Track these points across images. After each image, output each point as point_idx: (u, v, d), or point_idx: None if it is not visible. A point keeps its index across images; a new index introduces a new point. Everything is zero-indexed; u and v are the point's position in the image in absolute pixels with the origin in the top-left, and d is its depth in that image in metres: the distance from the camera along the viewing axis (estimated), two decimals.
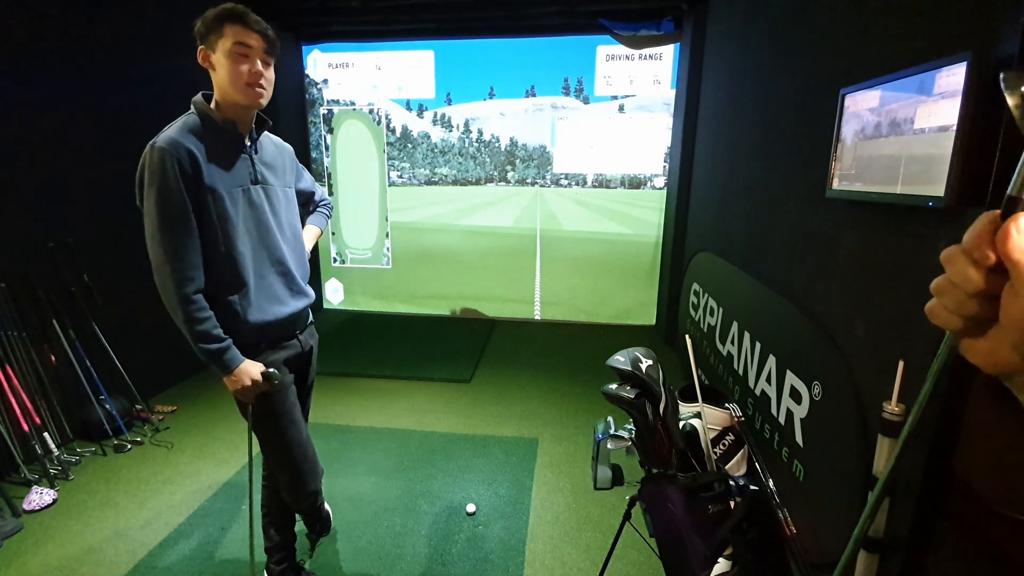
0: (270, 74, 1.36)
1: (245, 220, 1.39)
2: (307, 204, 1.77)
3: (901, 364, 1.31)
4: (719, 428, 1.57)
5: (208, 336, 1.33)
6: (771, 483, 1.57)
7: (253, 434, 1.51)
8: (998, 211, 0.35)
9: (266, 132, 1.50)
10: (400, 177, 4.92)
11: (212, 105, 1.36)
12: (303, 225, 1.70)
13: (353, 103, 4.77)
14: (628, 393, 1.40)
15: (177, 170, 1.26)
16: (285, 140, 1.65)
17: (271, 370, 1.43)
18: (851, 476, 1.48)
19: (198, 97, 1.37)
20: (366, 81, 4.70)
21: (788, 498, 1.76)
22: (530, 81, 4.53)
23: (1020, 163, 0.33)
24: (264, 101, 1.36)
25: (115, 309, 2.94)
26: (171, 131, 1.29)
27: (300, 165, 1.68)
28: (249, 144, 1.41)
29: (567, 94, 4.51)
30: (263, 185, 1.44)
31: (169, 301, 1.31)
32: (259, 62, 1.32)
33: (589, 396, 3.31)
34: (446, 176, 4.89)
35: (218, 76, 1.31)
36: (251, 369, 1.39)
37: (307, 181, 1.73)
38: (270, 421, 1.51)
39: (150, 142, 1.28)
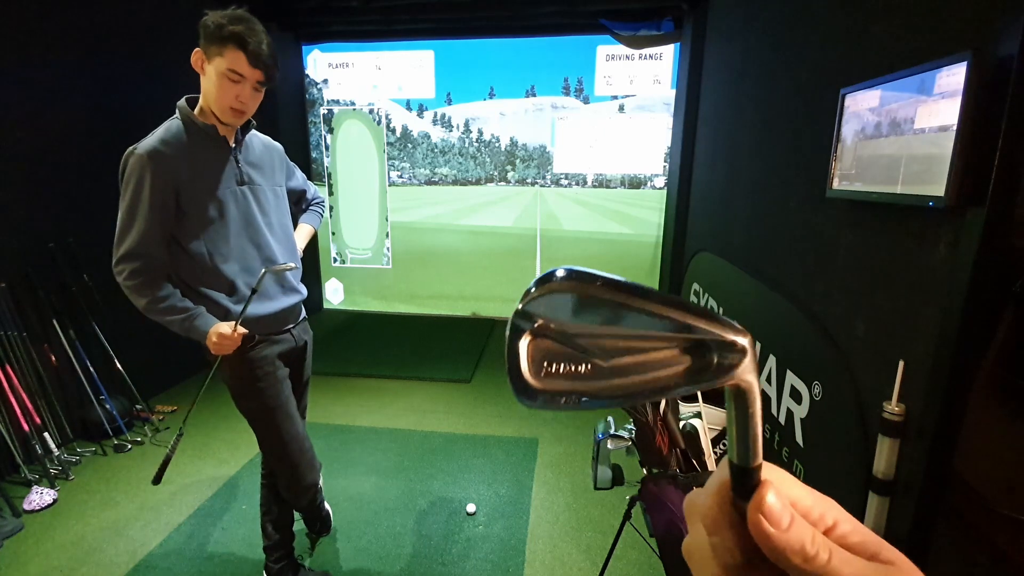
0: (257, 99, 1.37)
1: (232, 221, 1.40)
2: (299, 202, 1.77)
3: (901, 364, 1.32)
4: (719, 428, 1.57)
5: (174, 309, 1.34)
6: None
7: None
8: (726, 477, 0.25)
9: (254, 132, 1.50)
10: (400, 177, 4.92)
11: (196, 108, 1.37)
12: (296, 224, 1.71)
13: (353, 103, 4.76)
14: None
15: (154, 176, 1.27)
16: (285, 140, 1.65)
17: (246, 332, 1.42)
18: (851, 476, 1.48)
19: (182, 101, 1.37)
20: (366, 81, 4.70)
21: None
22: (530, 81, 4.53)
23: (735, 433, 0.25)
24: (242, 121, 1.38)
25: (115, 309, 2.93)
26: (153, 137, 1.31)
27: (291, 163, 1.68)
28: (234, 146, 1.42)
29: (567, 94, 4.51)
30: (250, 186, 1.45)
31: (132, 295, 1.33)
32: (249, 89, 1.32)
33: None
34: (446, 176, 4.89)
35: (205, 85, 1.32)
36: (221, 327, 1.37)
37: (298, 179, 1.72)
38: (266, 416, 1.53)
39: (131, 147, 1.30)
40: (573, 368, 0.24)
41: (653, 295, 0.23)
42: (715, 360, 0.24)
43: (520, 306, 0.23)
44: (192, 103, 1.38)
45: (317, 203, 1.82)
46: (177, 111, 1.37)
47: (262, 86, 1.35)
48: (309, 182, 1.80)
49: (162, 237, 1.33)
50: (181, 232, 1.35)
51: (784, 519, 0.23)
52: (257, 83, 1.33)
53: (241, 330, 1.38)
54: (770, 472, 0.25)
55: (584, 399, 0.24)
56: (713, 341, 0.24)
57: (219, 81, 1.28)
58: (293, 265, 1.53)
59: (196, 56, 1.30)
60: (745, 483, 0.24)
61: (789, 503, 0.24)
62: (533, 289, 0.23)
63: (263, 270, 1.44)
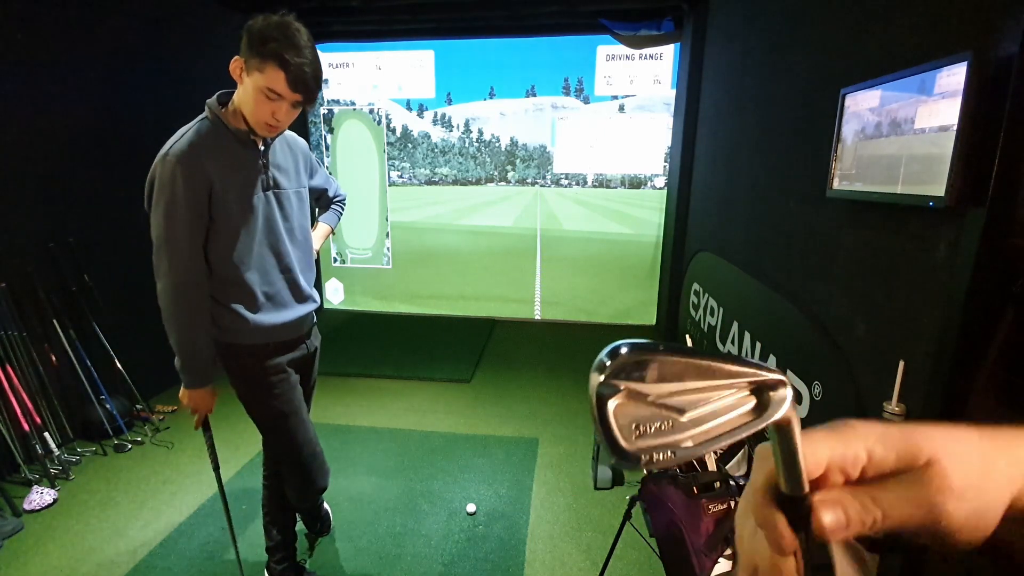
0: (293, 115, 1.31)
1: (256, 229, 1.37)
2: (320, 199, 1.73)
3: (901, 364, 1.31)
4: None
5: (199, 353, 1.37)
6: None
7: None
8: (767, 472, 0.28)
9: None
10: (400, 177, 4.92)
11: (230, 107, 1.31)
12: (315, 222, 1.68)
13: (353, 103, 4.76)
14: None
15: (188, 184, 1.23)
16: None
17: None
18: None
19: (212, 100, 1.31)
20: (366, 81, 4.70)
21: None
22: (530, 81, 4.53)
23: (783, 466, 0.27)
24: (275, 134, 1.34)
25: (115, 309, 2.94)
26: (183, 141, 1.25)
27: (315, 160, 1.62)
28: (262, 149, 1.36)
29: (567, 94, 4.50)
30: (275, 191, 1.40)
31: (168, 313, 1.31)
32: (287, 107, 1.26)
33: None
34: (446, 176, 4.89)
35: (241, 95, 1.27)
36: (209, 395, 1.47)
37: (321, 176, 1.66)
38: (280, 422, 1.52)
39: (161, 152, 1.25)
40: (658, 426, 0.27)
41: (708, 353, 0.27)
42: (770, 398, 0.27)
43: (601, 378, 0.25)
44: (222, 98, 1.31)
45: (339, 201, 1.76)
46: (207, 110, 1.30)
47: (300, 106, 1.28)
48: (332, 178, 1.74)
49: (200, 246, 1.30)
50: (206, 239, 1.32)
51: (842, 528, 0.26)
52: (295, 102, 1.26)
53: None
54: (806, 442, 0.27)
55: (675, 451, 0.27)
56: (763, 382, 0.27)
57: (256, 96, 1.22)
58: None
59: (235, 65, 1.23)
60: (798, 510, 0.27)
61: (839, 502, 0.27)
62: (608, 363, 0.26)
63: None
